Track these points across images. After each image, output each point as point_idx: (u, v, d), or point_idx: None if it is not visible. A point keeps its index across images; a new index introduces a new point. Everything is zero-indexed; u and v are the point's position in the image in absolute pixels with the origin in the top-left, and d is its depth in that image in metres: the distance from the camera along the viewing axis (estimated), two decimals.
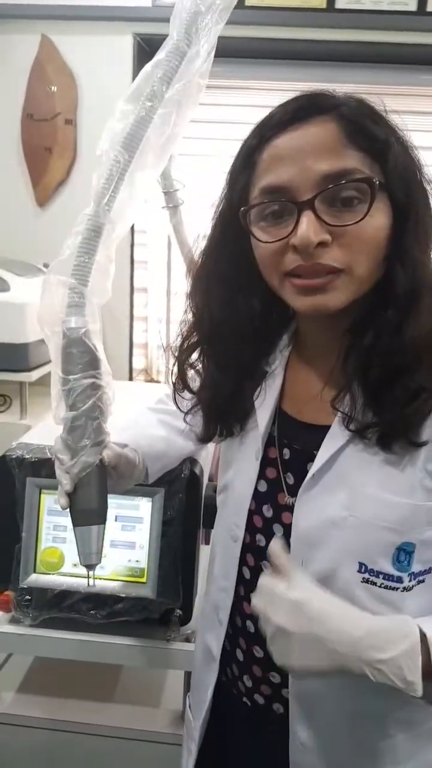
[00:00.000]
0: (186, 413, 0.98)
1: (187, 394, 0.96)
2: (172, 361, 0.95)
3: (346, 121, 0.73)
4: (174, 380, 0.95)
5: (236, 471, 0.93)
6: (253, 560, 0.89)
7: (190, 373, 0.94)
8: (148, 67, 0.86)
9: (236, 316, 0.87)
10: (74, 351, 0.86)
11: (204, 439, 0.98)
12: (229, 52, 2.19)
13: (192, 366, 0.94)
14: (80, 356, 0.86)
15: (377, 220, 0.73)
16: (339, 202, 0.72)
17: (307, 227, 0.71)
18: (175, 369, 0.95)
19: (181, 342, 0.93)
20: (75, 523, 0.89)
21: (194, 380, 0.95)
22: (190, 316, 0.92)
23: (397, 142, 0.75)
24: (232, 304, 0.87)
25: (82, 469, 0.86)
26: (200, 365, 0.94)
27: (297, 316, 0.90)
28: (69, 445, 0.87)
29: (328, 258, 0.72)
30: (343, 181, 0.71)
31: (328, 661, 0.69)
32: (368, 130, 0.73)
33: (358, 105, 0.75)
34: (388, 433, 0.75)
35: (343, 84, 0.79)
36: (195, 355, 0.93)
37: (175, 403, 0.98)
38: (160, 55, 0.85)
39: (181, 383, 0.95)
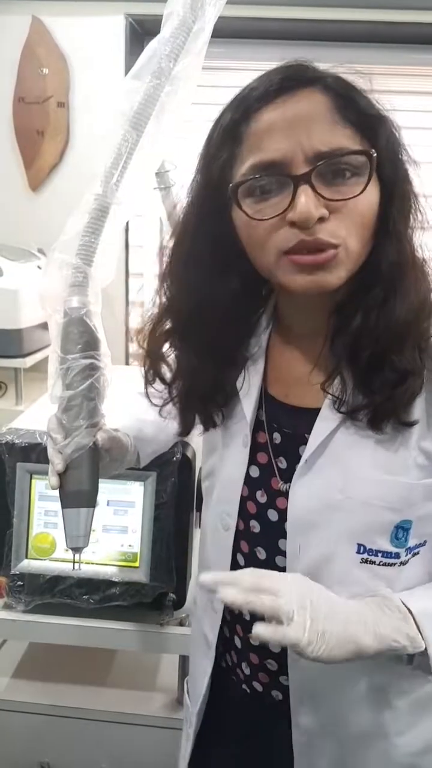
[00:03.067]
0: (161, 407, 0.94)
1: (159, 386, 0.92)
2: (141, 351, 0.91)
3: (334, 94, 0.71)
4: (145, 371, 0.91)
5: (223, 458, 0.91)
6: (248, 547, 0.88)
7: (162, 363, 0.90)
8: (154, 42, 0.83)
9: (215, 298, 0.83)
10: (74, 330, 0.84)
11: (182, 432, 0.94)
12: (218, 32, 2.16)
13: (164, 356, 0.90)
14: (80, 336, 0.84)
15: (371, 195, 0.71)
16: (333, 176, 0.70)
17: (307, 201, 0.68)
18: (147, 360, 0.90)
19: (152, 329, 0.89)
20: (64, 505, 0.88)
21: (165, 371, 0.91)
22: (163, 300, 0.87)
23: (382, 117, 0.73)
24: (210, 286, 0.83)
25: (76, 449, 0.85)
26: (173, 354, 0.90)
27: (278, 297, 0.88)
28: (63, 424, 0.86)
29: (325, 233, 0.70)
30: (341, 154, 0.69)
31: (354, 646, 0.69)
32: (357, 105, 0.71)
33: (343, 78, 0.73)
34: (379, 415, 0.75)
35: (335, 64, 0.76)
36: (167, 345, 0.89)
37: (147, 396, 0.94)
38: (166, 31, 0.83)
39: (152, 374, 0.91)
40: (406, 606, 0.73)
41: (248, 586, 0.70)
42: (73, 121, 2.19)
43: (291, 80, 0.72)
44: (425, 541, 0.79)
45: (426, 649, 0.71)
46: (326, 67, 0.75)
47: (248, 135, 0.73)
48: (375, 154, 0.70)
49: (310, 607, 0.69)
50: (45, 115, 2.18)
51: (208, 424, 0.91)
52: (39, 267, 2.00)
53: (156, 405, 0.95)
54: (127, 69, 2.13)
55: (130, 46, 2.17)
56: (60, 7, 2.13)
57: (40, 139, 2.20)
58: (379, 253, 0.74)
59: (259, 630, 0.68)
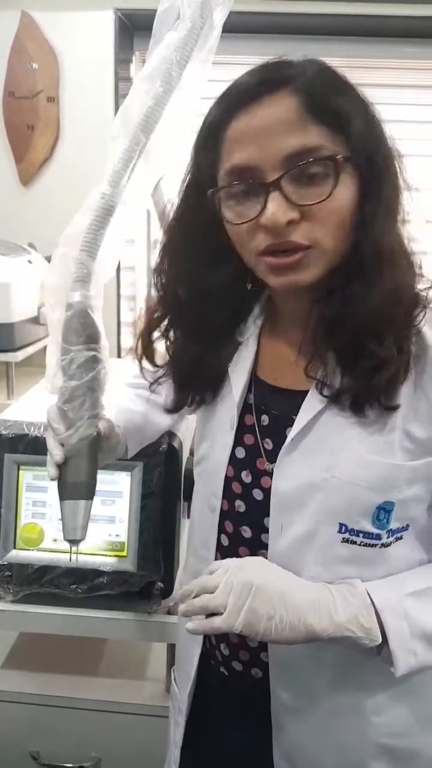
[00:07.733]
0: (152, 383, 0.97)
1: (152, 366, 0.96)
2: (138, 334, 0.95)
3: (305, 94, 0.72)
4: (140, 352, 0.95)
5: (212, 442, 0.93)
6: (232, 527, 0.89)
7: (157, 344, 0.94)
8: (163, 48, 0.84)
9: (207, 287, 0.87)
10: (77, 322, 0.85)
11: (173, 408, 0.97)
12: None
13: (163, 335, 0.93)
14: (83, 328, 0.85)
15: (343, 194, 0.73)
16: (305, 179, 0.72)
17: (275, 208, 0.71)
18: (140, 342, 0.94)
19: (148, 313, 0.93)
20: (62, 497, 0.88)
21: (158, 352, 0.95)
22: (158, 285, 0.91)
23: (359, 111, 0.75)
24: (202, 277, 0.86)
25: (80, 440, 0.86)
26: (168, 336, 0.93)
27: (269, 287, 0.90)
28: (66, 414, 0.86)
29: (297, 235, 0.73)
30: (309, 159, 0.71)
31: (303, 628, 0.73)
32: (329, 102, 0.72)
33: (319, 73, 0.75)
34: (360, 399, 0.77)
35: (328, 58, 0.77)
36: (163, 326, 0.93)
37: (141, 373, 0.97)
38: (177, 35, 0.84)
39: (149, 352, 0.94)
40: (370, 597, 0.75)
41: (197, 592, 0.77)
42: (63, 116, 2.20)
43: (264, 84, 0.73)
44: (407, 525, 0.80)
45: (385, 641, 0.73)
46: (305, 59, 0.76)
47: (225, 140, 0.76)
48: (341, 157, 0.71)
49: (252, 594, 0.73)
50: (35, 110, 2.20)
51: (200, 401, 0.94)
52: (30, 261, 2.00)
53: (147, 380, 0.98)
54: (117, 63, 2.16)
55: (120, 40, 2.18)
56: (49, 2, 2.15)
57: (31, 133, 2.21)
58: (357, 245, 0.75)
59: (188, 626, 0.76)
